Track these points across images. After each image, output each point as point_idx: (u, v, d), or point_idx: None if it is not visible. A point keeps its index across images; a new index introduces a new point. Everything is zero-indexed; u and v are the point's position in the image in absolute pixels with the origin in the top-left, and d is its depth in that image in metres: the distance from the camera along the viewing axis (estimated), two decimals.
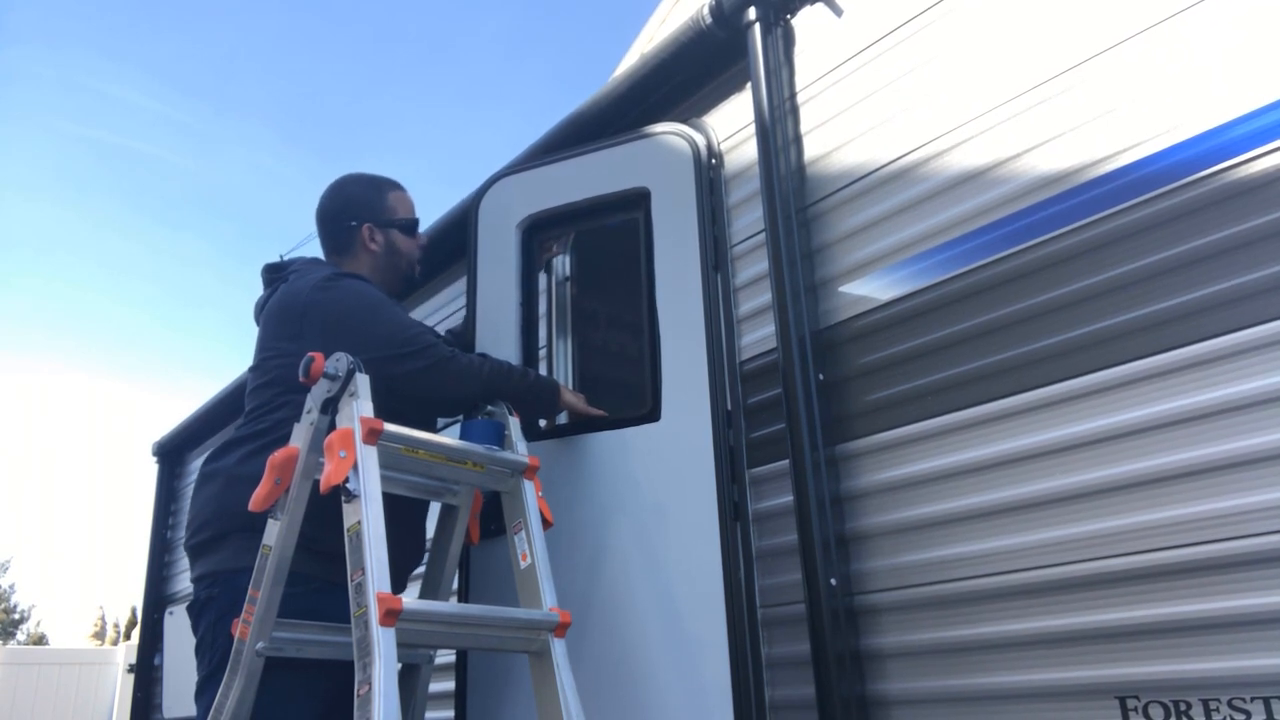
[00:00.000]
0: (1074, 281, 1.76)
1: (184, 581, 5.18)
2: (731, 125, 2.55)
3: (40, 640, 31.66)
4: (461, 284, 3.14)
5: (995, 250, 1.89)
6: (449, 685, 2.54)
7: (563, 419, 2.60)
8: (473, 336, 2.76)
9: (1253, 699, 1.45)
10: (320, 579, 2.02)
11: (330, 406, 1.92)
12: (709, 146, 2.55)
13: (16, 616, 32.74)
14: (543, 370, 2.76)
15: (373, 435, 1.84)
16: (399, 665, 1.80)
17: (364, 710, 1.59)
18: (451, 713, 2.47)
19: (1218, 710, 1.48)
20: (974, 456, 1.84)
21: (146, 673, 5.42)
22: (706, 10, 2.47)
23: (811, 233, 2.26)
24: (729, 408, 2.30)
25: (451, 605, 2.25)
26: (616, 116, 2.77)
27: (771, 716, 2.08)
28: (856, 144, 2.21)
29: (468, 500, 2.25)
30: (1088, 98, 1.81)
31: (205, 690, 2.00)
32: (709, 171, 2.52)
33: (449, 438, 2.12)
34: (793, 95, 2.39)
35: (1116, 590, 1.61)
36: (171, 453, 5.66)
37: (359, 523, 1.75)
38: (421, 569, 2.36)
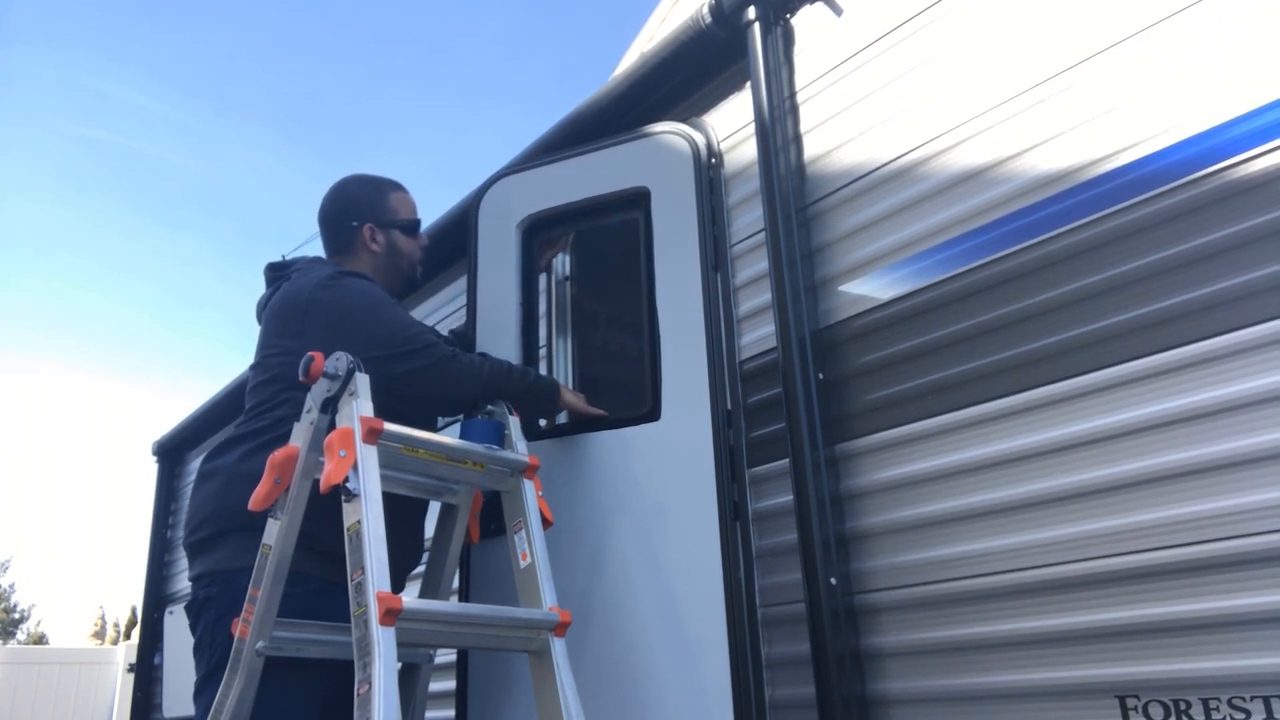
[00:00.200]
0: (1074, 281, 1.76)
1: (184, 581, 5.16)
2: (731, 125, 2.55)
3: (40, 640, 31.66)
4: (461, 283, 3.14)
5: (995, 250, 1.89)
6: (449, 685, 2.54)
7: (563, 419, 2.60)
8: (473, 336, 2.76)
9: (1253, 698, 1.45)
10: (320, 579, 2.02)
11: (330, 406, 1.92)
12: (709, 146, 2.55)
13: (16, 616, 32.75)
14: (543, 370, 2.76)
15: (373, 434, 1.84)
16: (399, 665, 1.80)
17: (364, 709, 1.59)
18: (452, 712, 2.48)
19: (1218, 710, 1.48)
20: (974, 456, 1.84)
21: (146, 672, 5.42)
22: (706, 10, 2.47)
23: (811, 232, 2.26)
24: (729, 407, 2.30)
25: (451, 605, 2.25)
26: (616, 116, 2.77)
27: (771, 716, 2.08)
28: (856, 143, 2.21)
29: (468, 500, 2.25)
30: (1088, 97, 1.81)
31: (204, 690, 2.00)
32: (709, 171, 2.52)
33: (449, 437, 2.12)
34: (792, 95, 2.39)
35: (1116, 590, 1.61)
36: (171, 452, 5.66)
37: (359, 522, 1.75)
38: (421, 569, 2.36)
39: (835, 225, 2.22)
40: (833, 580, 1.97)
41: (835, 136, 2.27)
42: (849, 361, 2.11)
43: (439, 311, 3.49)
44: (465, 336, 2.78)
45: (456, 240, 3.07)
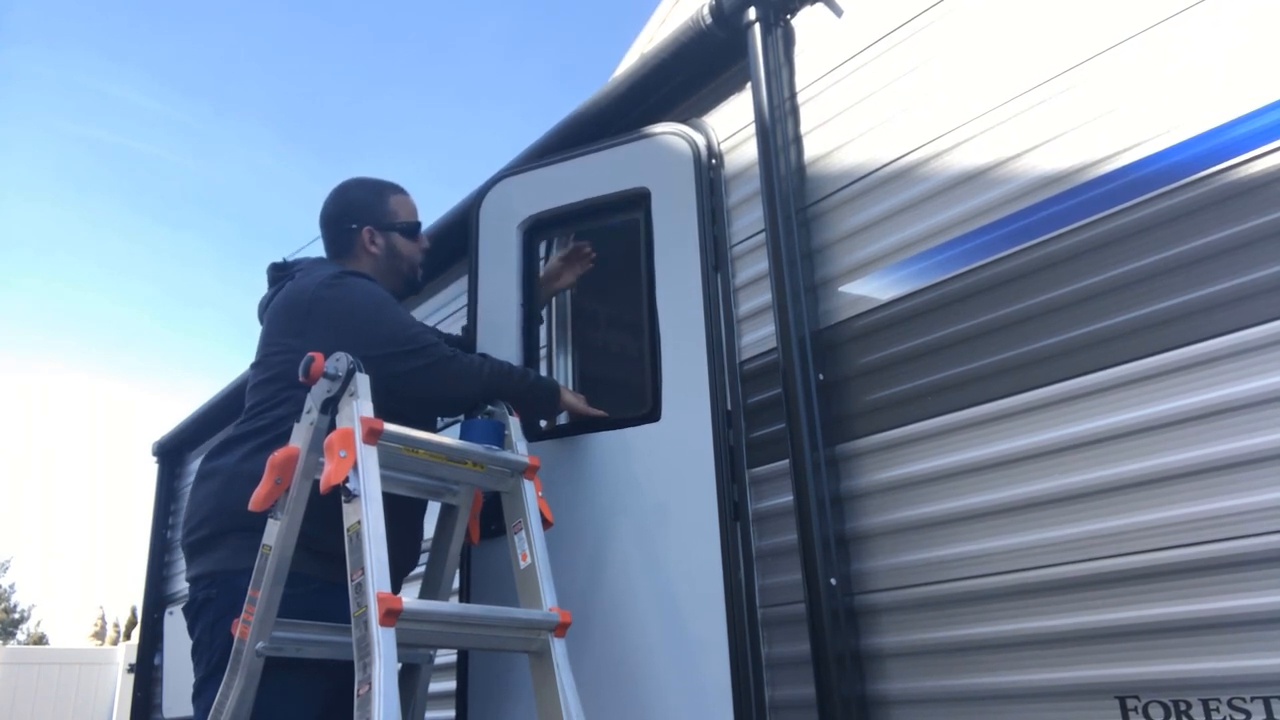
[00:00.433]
0: (1074, 281, 1.76)
1: (184, 581, 5.17)
2: (731, 125, 2.55)
3: (40, 640, 31.66)
4: (462, 284, 3.14)
5: (995, 250, 1.89)
6: (450, 685, 2.54)
7: (563, 419, 2.60)
8: (473, 337, 2.76)
9: (1253, 699, 1.45)
10: (320, 579, 2.02)
11: (330, 406, 1.92)
12: (709, 146, 2.55)
13: (16, 616, 32.75)
14: (543, 370, 2.76)
15: (373, 435, 1.84)
16: (399, 665, 1.80)
17: (364, 710, 1.59)
18: (452, 712, 2.47)
19: (1218, 710, 1.48)
20: (974, 456, 1.84)
21: (146, 673, 5.42)
22: (706, 10, 2.47)
23: (811, 233, 2.26)
24: (729, 408, 2.30)
25: (451, 605, 2.25)
26: (616, 117, 2.77)
27: (771, 716, 2.08)
28: (856, 144, 2.21)
29: (468, 500, 2.25)
30: (1088, 98, 1.81)
31: (203, 692, 2.00)
32: (709, 171, 2.52)
33: (449, 437, 2.12)
34: (793, 95, 2.39)
35: (1116, 590, 1.61)
36: (171, 453, 5.66)
37: (359, 522, 1.75)
38: (419, 569, 2.36)
39: (835, 226, 2.22)
40: (833, 581, 1.97)
41: (836, 137, 2.27)
42: (849, 362, 2.11)
43: (440, 312, 3.49)
44: (469, 336, 2.78)
45: (457, 241, 3.07)
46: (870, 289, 2.11)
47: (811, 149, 2.32)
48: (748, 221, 2.43)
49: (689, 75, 2.65)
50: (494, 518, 2.25)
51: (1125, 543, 1.61)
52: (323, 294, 2.21)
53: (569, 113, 2.88)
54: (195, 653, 2.07)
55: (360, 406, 1.85)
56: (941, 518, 1.87)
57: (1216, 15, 1.67)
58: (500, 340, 2.68)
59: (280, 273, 2.43)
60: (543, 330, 2.82)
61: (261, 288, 2.49)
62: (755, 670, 2.10)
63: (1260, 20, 1.62)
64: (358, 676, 1.64)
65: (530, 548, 2.05)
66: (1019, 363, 1.81)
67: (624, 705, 2.18)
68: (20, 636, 32.18)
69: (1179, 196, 1.66)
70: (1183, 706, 1.51)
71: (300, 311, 2.21)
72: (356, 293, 2.22)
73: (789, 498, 2.07)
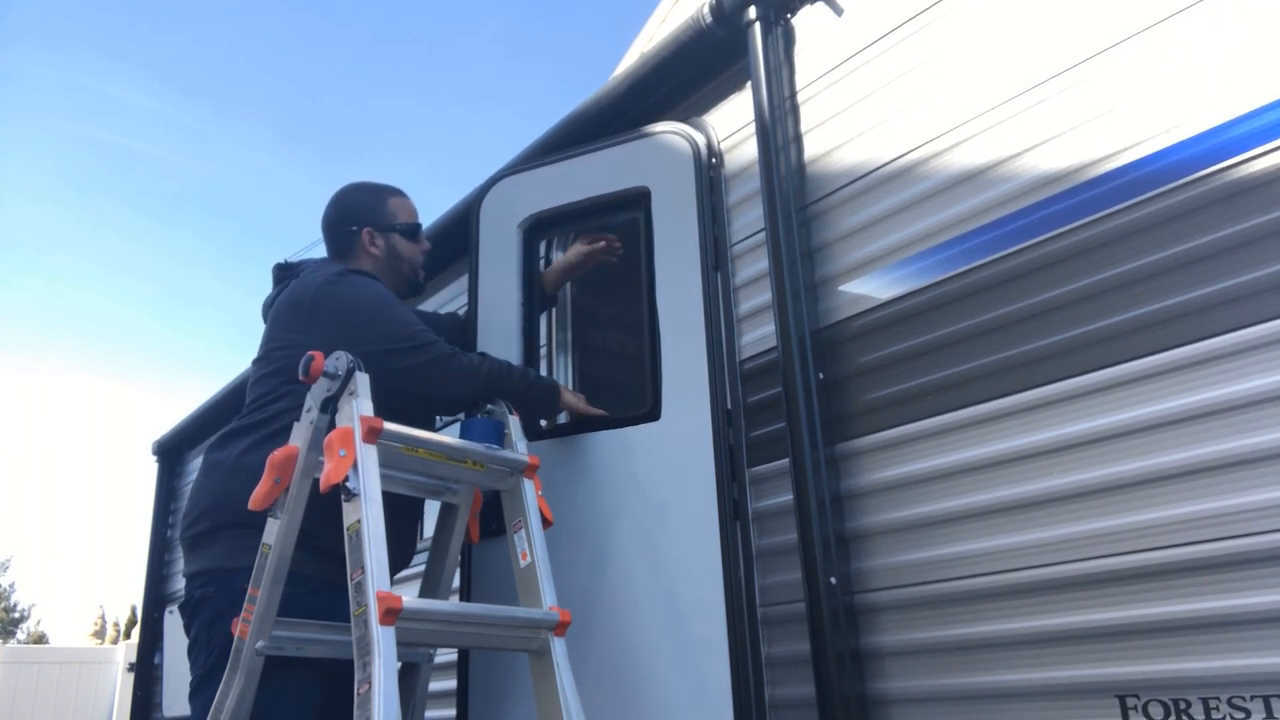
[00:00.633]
0: (1074, 281, 1.76)
1: (184, 581, 5.18)
2: (731, 124, 2.55)
3: (40, 639, 31.66)
4: (462, 283, 3.14)
5: (995, 249, 1.89)
6: (450, 684, 2.54)
7: (563, 418, 2.60)
8: (474, 336, 2.76)
9: (1253, 698, 1.45)
10: (320, 578, 2.02)
11: (330, 405, 1.92)
12: (709, 146, 2.55)
13: (16, 615, 32.75)
14: (543, 370, 2.76)
15: (372, 434, 1.84)
16: (399, 664, 1.80)
17: (364, 709, 1.59)
18: (453, 712, 2.48)
19: (1217, 709, 1.48)
20: (973, 455, 1.84)
21: (146, 672, 5.42)
22: (706, 9, 2.47)
23: (811, 232, 2.26)
24: (729, 407, 2.30)
25: (451, 604, 2.25)
26: (616, 116, 2.77)
27: (771, 716, 2.08)
28: (856, 143, 2.21)
29: (467, 499, 2.25)
30: (1088, 98, 1.81)
31: (200, 691, 2.00)
32: (709, 170, 2.52)
33: (449, 437, 2.12)
34: (793, 94, 2.39)
35: (1116, 590, 1.61)
36: (171, 452, 5.66)
37: (359, 522, 1.75)
38: (416, 568, 2.36)
39: (835, 225, 2.22)
40: (833, 580, 1.97)
41: (835, 136, 2.27)
42: (849, 361, 2.11)
43: (440, 311, 3.49)
44: (462, 329, 2.78)
45: (457, 240, 3.07)
46: (870, 288, 2.11)
47: (811, 148, 2.32)
48: (748, 220, 2.43)
49: (689, 74, 2.65)
50: (494, 517, 2.25)
51: (1125, 542, 1.61)
52: (326, 290, 2.23)
53: (569, 112, 2.88)
54: (192, 651, 2.07)
55: (360, 405, 1.85)
56: (941, 517, 1.87)
57: (1215, 15, 1.67)
58: (500, 339, 2.69)
59: (285, 272, 2.46)
60: (543, 329, 2.82)
61: (262, 287, 2.52)
62: (755, 669, 2.10)
63: (1260, 20, 1.62)
64: (357, 675, 1.64)
65: (530, 547, 2.05)
66: (1018, 362, 1.81)
67: (624, 704, 2.18)
68: (20, 635, 32.20)
69: (1178, 196, 1.66)
70: (1183, 706, 1.51)
71: (304, 308, 2.23)
72: (358, 290, 2.24)
73: (789, 497, 2.07)
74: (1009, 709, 1.71)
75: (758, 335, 2.32)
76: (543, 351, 2.79)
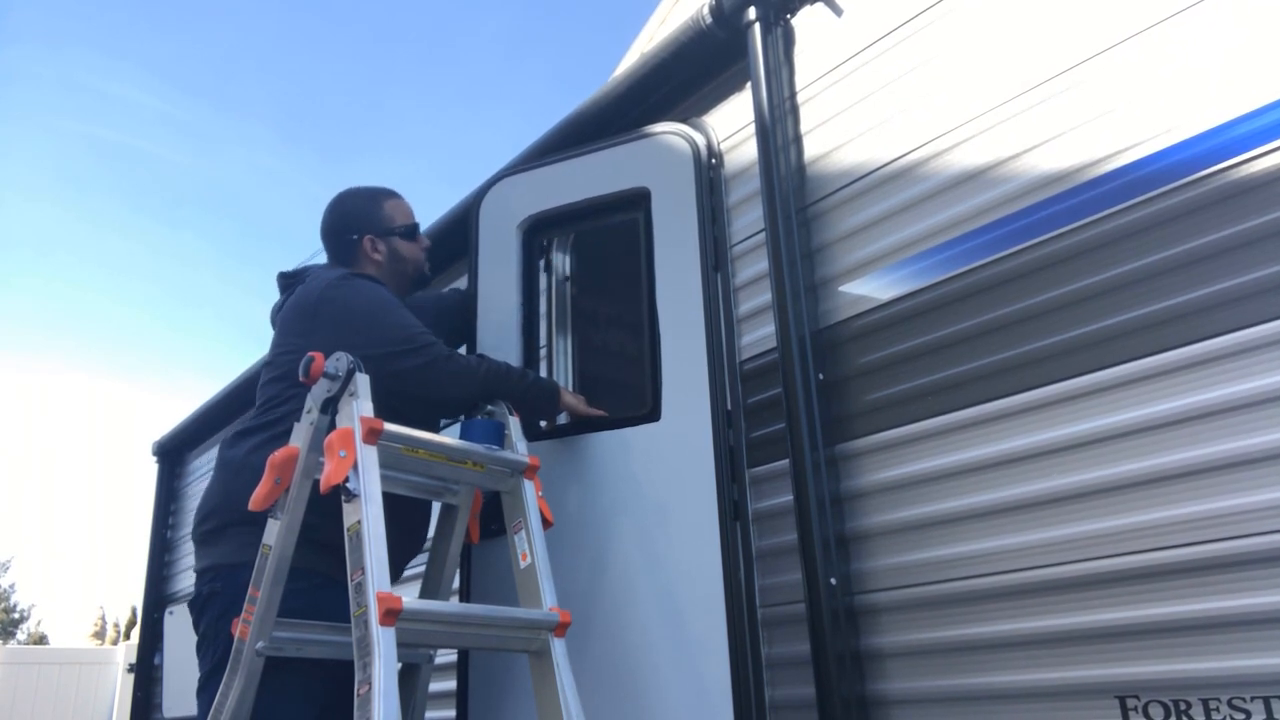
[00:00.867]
0: (1074, 281, 1.76)
1: (184, 581, 5.18)
2: (731, 125, 2.55)
3: (40, 640, 31.67)
4: (462, 283, 3.14)
5: (995, 250, 1.89)
6: (451, 685, 2.54)
7: (563, 419, 2.60)
8: (474, 336, 2.76)
9: (1253, 699, 1.45)
10: (321, 574, 2.03)
11: (330, 406, 1.92)
12: (709, 146, 2.55)
13: (17, 616, 32.75)
14: (543, 370, 2.76)
15: (373, 435, 1.84)
16: (399, 665, 1.80)
17: (364, 710, 1.59)
18: (453, 712, 2.47)
19: (1218, 710, 1.48)
20: (974, 456, 1.84)
21: (146, 672, 5.42)
22: (706, 10, 2.47)
23: (811, 232, 2.26)
24: (729, 407, 2.30)
25: (451, 605, 2.25)
26: (616, 116, 2.77)
27: (771, 716, 2.08)
28: (856, 144, 2.21)
29: (468, 500, 2.25)
30: (1087, 98, 1.81)
31: (207, 687, 2.02)
32: (709, 171, 2.52)
33: (449, 437, 2.12)
34: (793, 95, 2.39)
35: (1116, 590, 1.61)
36: (171, 452, 5.66)
37: (359, 522, 1.75)
38: (412, 570, 2.36)
39: (835, 225, 2.22)
40: (833, 580, 1.97)
41: (835, 137, 2.27)
42: (849, 362, 2.11)
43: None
44: (451, 312, 2.79)
45: (458, 240, 3.07)
46: (870, 289, 2.11)
47: (811, 148, 2.32)
48: (748, 221, 2.43)
49: (689, 75, 2.65)
50: (495, 518, 2.25)
51: (1125, 542, 1.61)
52: (329, 294, 2.26)
53: (569, 112, 2.88)
54: (200, 647, 2.10)
55: (360, 406, 1.86)
56: (941, 517, 1.87)
57: (1215, 15, 1.67)
58: (501, 340, 2.69)
59: (290, 280, 2.49)
60: (543, 329, 2.82)
61: (262, 287, 2.59)
62: (755, 670, 2.10)
63: (1259, 20, 1.62)
64: (358, 676, 1.64)
65: (530, 547, 2.05)
66: (1019, 362, 1.81)
67: (624, 705, 2.18)
68: (20, 636, 32.19)
69: (1178, 196, 1.66)
70: (1183, 706, 1.51)
71: (308, 313, 2.27)
72: (360, 293, 2.26)
73: (789, 497, 2.07)
74: (1008, 710, 1.71)
75: (758, 336, 2.32)
76: (543, 352, 2.79)
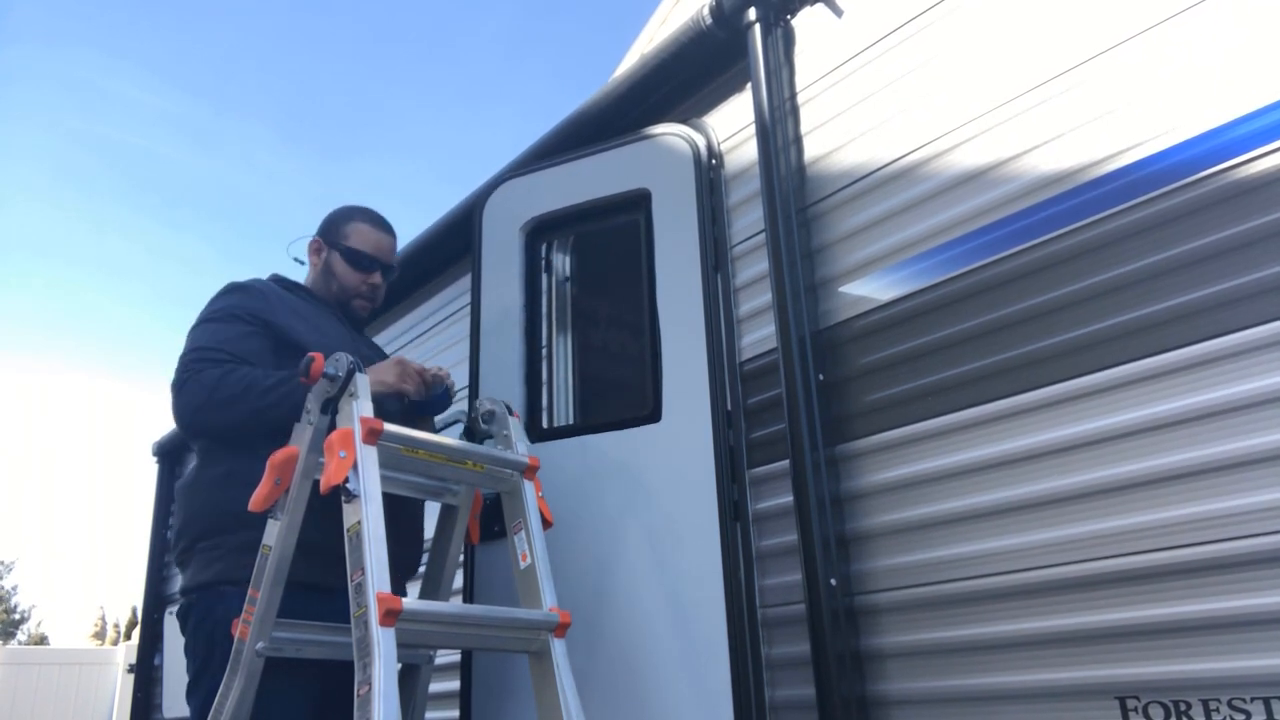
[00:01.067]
0: (1074, 282, 1.76)
1: None
2: (732, 125, 2.55)
3: (41, 640, 31.68)
4: (463, 283, 3.14)
5: (995, 250, 1.89)
6: (453, 685, 2.54)
7: (563, 420, 2.60)
8: (477, 338, 2.77)
9: (1253, 699, 1.45)
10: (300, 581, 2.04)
11: (330, 406, 1.92)
12: (709, 147, 2.56)
13: (17, 617, 32.76)
14: (543, 371, 2.76)
15: (373, 435, 1.84)
16: (399, 665, 1.80)
17: (364, 710, 1.59)
18: (456, 713, 2.48)
19: (1218, 710, 1.48)
20: (974, 456, 1.84)
21: (146, 673, 5.42)
22: (706, 10, 2.47)
23: (811, 233, 2.26)
24: (729, 408, 2.30)
25: (451, 605, 2.25)
26: (617, 117, 2.77)
27: (771, 716, 2.08)
28: (857, 144, 2.22)
29: (467, 500, 2.25)
30: (1088, 98, 1.81)
31: (193, 693, 2.05)
32: (709, 172, 2.52)
33: (449, 438, 2.12)
34: (793, 95, 2.39)
35: (1116, 590, 1.61)
36: (171, 453, 5.66)
37: (359, 523, 1.75)
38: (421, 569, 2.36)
39: (836, 226, 2.22)
40: (833, 581, 1.97)
41: (836, 137, 2.27)
42: (849, 362, 2.11)
43: (440, 311, 3.50)
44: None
45: (458, 241, 3.07)
46: (870, 289, 2.11)
47: (811, 149, 2.32)
48: (748, 222, 2.43)
49: (689, 75, 2.65)
50: (496, 520, 2.25)
51: (1125, 543, 1.61)
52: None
53: (569, 113, 2.88)
54: (185, 653, 2.12)
55: (360, 406, 1.85)
56: (942, 518, 1.87)
57: (1216, 15, 1.67)
58: (503, 342, 2.69)
59: None
60: (544, 331, 2.83)
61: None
62: (755, 670, 2.10)
63: (1260, 20, 1.62)
64: (358, 677, 1.63)
65: (530, 548, 2.05)
66: (1019, 363, 1.81)
67: (624, 705, 2.18)
68: (21, 637, 32.21)
69: (1178, 197, 1.66)
70: (1183, 706, 1.51)
71: None
72: (208, 305, 2.23)
73: (789, 498, 2.07)
74: (1009, 710, 1.71)
75: (758, 336, 2.32)
76: (544, 353, 2.80)
